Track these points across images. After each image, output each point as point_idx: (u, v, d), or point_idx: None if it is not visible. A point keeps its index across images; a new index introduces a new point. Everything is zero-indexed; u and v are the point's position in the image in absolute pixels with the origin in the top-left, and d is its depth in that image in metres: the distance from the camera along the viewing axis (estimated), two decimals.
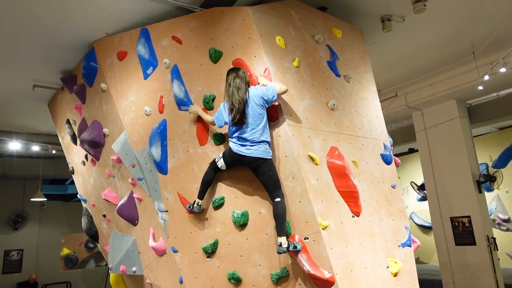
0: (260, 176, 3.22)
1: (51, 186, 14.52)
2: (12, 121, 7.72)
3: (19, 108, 6.96)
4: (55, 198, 14.52)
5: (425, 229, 11.61)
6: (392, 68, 6.43)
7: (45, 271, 10.52)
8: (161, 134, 3.90)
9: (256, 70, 3.44)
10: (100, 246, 6.12)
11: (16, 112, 7.21)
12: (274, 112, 3.34)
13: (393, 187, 4.01)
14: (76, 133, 5.48)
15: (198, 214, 3.66)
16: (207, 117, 3.56)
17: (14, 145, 8.40)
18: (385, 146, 4.12)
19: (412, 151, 11.41)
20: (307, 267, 3.05)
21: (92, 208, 5.79)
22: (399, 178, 4.22)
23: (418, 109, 7.69)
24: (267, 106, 3.25)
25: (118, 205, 4.70)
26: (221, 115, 3.39)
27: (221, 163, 3.36)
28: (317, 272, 3.04)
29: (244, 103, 3.21)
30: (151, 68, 4.06)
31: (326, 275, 3.04)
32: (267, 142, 3.22)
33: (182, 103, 3.77)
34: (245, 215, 3.41)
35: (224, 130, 3.51)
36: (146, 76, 4.09)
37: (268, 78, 3.36)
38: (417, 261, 3.71)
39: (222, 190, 3.57)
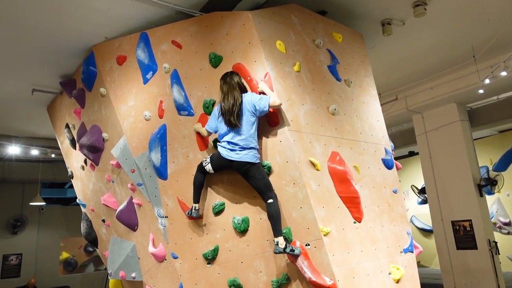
0: (251, 180, 3.22)
1: (50, 190, 14.47)
2: (11, 125, 7.69)
3: (18, 112, 6.93)
4: (54, 201, 14.47)
5: (425, 232, 11.58)
6: (392, 72, 6.41)
7: (44, 275, 10.46)
8: (160, 139, 3.87)
9: (257, 75, 3.41)
10: (99, 251, 6.08)
11: (15, 116, 7.18)
12: (275, 117, 3.31)
13: (395, 192, 3.98)
14: (75, 138, 5.45)
15: (198, 220, 3.63)
16: (204, 132, 3.54)
17: (13, 149, 8.36)
18: (386, 151, 4.10)
19: (412, 154, 11.39)
20: (308, 274, 3.01)
21: (91, 213, 5.76)
22: (400, 181, 4.19)
23: (419, 112, 7.67)
24: (257, 115, 3.25)
25: (117, 210, 4.66)
26: (211, 121, 3.41)
27: (208, 167, 3.35)
28: (319, 279, 3.00)
29: (238, 106, 3.21)
30: (151, 72, 4.03)
31: (328, 282, 3.00)
32: (256, 149, 3.23)
33: (182, 108, 3.75)
34: (245, 221, 3.38)
35: None
36: (145, 81, 4.07)
37: (268, 83, 3.33)
38: (418, 264, 3.68)
39: (222, 195, 3.54)
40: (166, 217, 3.92)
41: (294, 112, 3.39)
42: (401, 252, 3.71)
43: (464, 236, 7.00)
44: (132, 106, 4.17)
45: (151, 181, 3.99)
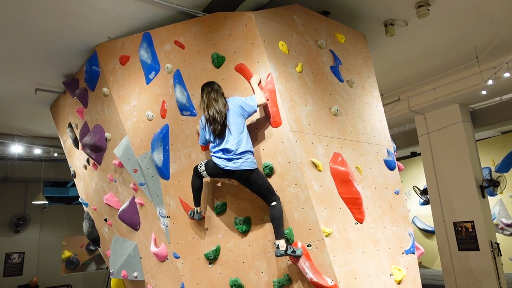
0: (252, 186, 3.18)
1: (53, 189, 14.53)
2: (14, 124, 7.72)
3: (21, 112, 6.96)
4: (56, 200, 14.52)
5: (427, 233, 11.55)
6: (395, 72, 6.40)
7: (46, 274, 10.50)
8: (163, 139, 3.88)
9: (260, 75, 3.41)
10: (101, 251, 6.10)
11: (18, 116, 7.21)
12: (277, 118, 3.32)
13: (397, 193, 3.98)
14: (78, 137, 5.47)
15: (199, 220, 3.64)
16: None
17: (16, 148, 8.40)
18: (388, 152, 4.10)
19: (414, 154, 11.37)
20: (310, 274, 3.02)
21: (93, 212, 5.78)
22: (402, 182, 4.19)
23: (421, 113, 7.66)
24: (246, 117, 3.24)
25: (119, 210, 4.67)
26: (201, 135, 3.38)
27: (204, 174, 3.35)
28: (320, 280, 3.01)
29: (224, 113, 3.19)
30: (153, 72, 4.04)
31: (329, 283, 3.01)
32: (251, 152, 3.20)
33: (185, 108, 3.76)
34: (247, 222, 3.39)
35: None
36: (148, 81, 4.08)
37: (271, 84, 3.34)
38: (420, 265, 3.68)
39: (224, 196, 3.55)
40: (168, 217, 3.92)
41: (296, 113, 3.39)
42: (402, 253, 3.71)
43: (466, 237, 6.99)
44: (135, 106, 4.18)
45: (153, 181, 4.00)
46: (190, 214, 3.56)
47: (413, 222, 11.66)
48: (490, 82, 5.58)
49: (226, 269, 3.49)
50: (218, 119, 3.17)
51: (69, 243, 11.48)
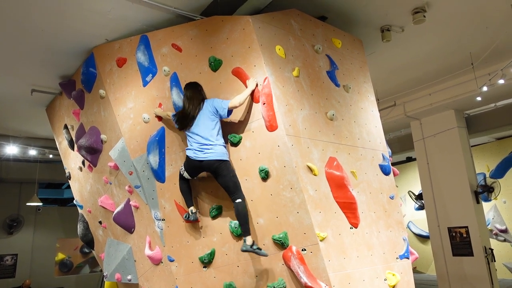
0: (221, 178, 3.31)
1: (47, 190, 14.41)
2: (9, 125, 7.67)
3: (17, 112, 6.92)
4: (51, 202, 14.41)
5: (422, 238, 11.58)
6: (391, 78, 6.45)
7: (40, 276, 10.40)
8: (159, 141, 3.87)
9: (256, 79, 3.42)
10: (95, 253, 6.06)
11: (13, 116, 7.17)
12: (273, 122, 3.33)
13: (392, 198, 3.99)
14: (74, 139, 5.44)
15: (195, 223, 3.63)
16: (164, 115, 3.81)
17: (11, 149, 8.35)
18: (383, 157, 4.12)
19: (410, 159, 11.42)
20: (304, 279, 3.02)
21: (88, 215, 5.74)
22: (397, 187, 4.21)
23: (417, 118, 7.70)
24: (219, 117, 3.40)
25: (114, 212, 4.65)
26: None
27: (185, 174, 3.48)
28: (315, 284, 3.01)
29: (196, 110, 3.41)
30: (151, 75, 4.04)
31: (323, 287, 3.01)
32: (223, 146, 3.36)
33: None
34: None
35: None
36: (145, 83, 4.08)
37: (267, 88, 3.35)
38: (414, 270, 3.69)
39: (220, 199, 3.55)
40: (163, 219, 3.91)
41: (292, 117, 3.40)
42: (397, 258, 3.72)
43: (460, 243, 7.02)
44: (131, 108, 4.18)
45: (149, 183, 3.99)
46: (186, 217, 3.56)
47: (408, 227, 11.69)
48: (485, 88, 5.63)
49: (221, 272, 3.48)
50: (187, 113, 3.41)
51: (63, 246, 11.40)
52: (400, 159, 11.39)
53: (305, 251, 3.13)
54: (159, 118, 3.89)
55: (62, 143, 6.17)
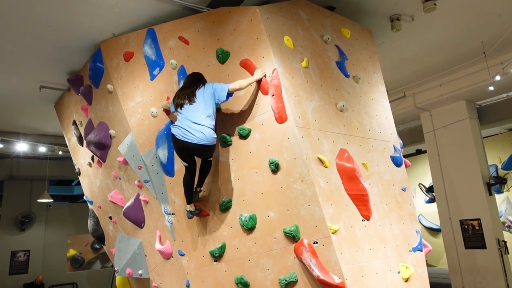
0: (206, 160, 3.44)
1: (58, 187, 14.57)
2: (19, 122, 7.74)
3: (26, 110, 6.97)
4: (61, 199, 14.57)
5: (433, 231, 11.46)
6: (401, 68, 6.34)
7: (52, 272, 10.53)
8: (167, 135, 3.85)
9: (265, 70, 3.37)
10: (106, 248, 6.09)
11: (23, 114, 7.22)
12: (282, 114, 3.27)
13: (404, 190, 3.93)
14: (83, 134, 5.46)
15: (204, 217, 3.61)
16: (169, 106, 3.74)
17: (21, 146, 8.42)
18: (395, 148, 4.05)
19: (419, 152, 11.27)
20: (316, 272, 2.98)
21: (98, 210, 5.77)
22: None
23: (427, 109, 7.58)
24: (217, 101, 3.36)
25: (124, 207, 4.66)
26: (171, 106, 3.56)
27: (181, 161, 3.45)
28: (327, 277, 2.97)
29: (194, 88, 3.38)
30: (158, 69, 4.01)
31: (336, 280, 2.97)
32: (213, 130, 3.31)
33: None
34: (253, 219, 3.36)
35: (229, 130, 3.48)
36: (152, 77, 4.05)
37: (276, 79, 3.30)
38: (425, 263, 3.63)
39: (229, 192, 3.52)
40: (173, 214, 3.90)
41: (302, 108, 3.35)
42: (410, 250, 3.67)
43: (472, 235, 6.92)
44: (139, 102, 4.16)
45: (158, 178, 3.98)
46: (188, 216, 3.54)
47: (418, 220, 11.57)
48: (497, 77, 5.51)
49: (232, 266, 3.46)
50: (184, 93, 3.38)
51: (74, 242, 11.52)
52: (409, 151, 11.24)
53: (317, 244, 3.09)
54: (167, 111, 3.86)
55: (71, 139, 6.19)
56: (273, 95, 3.29)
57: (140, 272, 4.63)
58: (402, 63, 6.12)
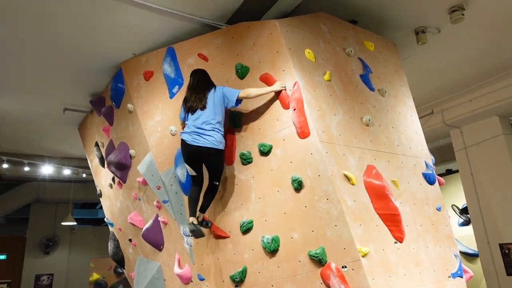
0: (212, 164, 3.34)
1: (82, 210, 14.74)
2: (44, 145, 7.90)
3: (51, 133, 7.10)
4: (85, 222, 14.69)
5: (469, 256, 10.74)
6: (427, 83, 6.09)
7: None
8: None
9: (286, 84, 3.25)
10: (126, 272, 5.96)
11: (48, 137, 7.37)
12: (305, 128, 3.11)
13: (439, 209, 3.64)
14: (104, 156, 5.45)
15: (225, 238, 3.44)
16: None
17: (47, 169, 8.58)
18: (427, 165, 3.79)
19: (449, 172, 10.74)
20: None
21: (118, 232, 5.68)
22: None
23: (457, 126, 7.22)
24: (225, 106, 3.34)
25: (143, 229, 4.55)
26: (181, 111, 3.57)
27: (189, 169, 3.39)
28: None
29: (203, 92, 3.36)
30: (177, 87, 3.97)
31: None
32: (222, 134, 3.33)
33: None
34: (275, 240, 3.15)
35: (250, 147, 3.33)
36: (172, 95, 4.01)
37: (297, 93, 3.16)
38: None
39: (250, 213, 3.34)
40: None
41: (325, 122, 3.18)
42: (449, 276, 3.34)
43: None
44: (158, 121, 4.11)
45: (177, 197, 3.86)
46: (192, 228, 3.36)
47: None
48: None
49: None
50: (195, 97, 3.37)
51: (97, 265, 11.48)
52: (439, 171, 10.73)
53: (345, 268, 2.84)
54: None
55: (93, 161, 6.22)
56: (294, 109, 3.14)
57: None
58: (428, 78, 5.89)
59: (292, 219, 3.09)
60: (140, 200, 4.70)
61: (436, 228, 3.49)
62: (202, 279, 3.64)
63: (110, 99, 4.90)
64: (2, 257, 10.63)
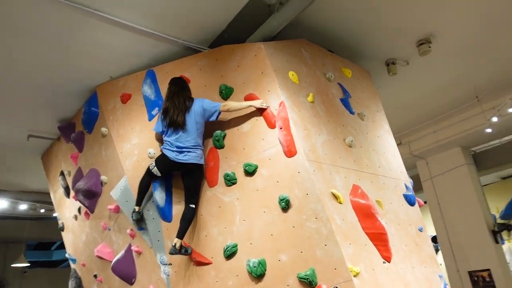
0: (190, 180, 3.34)
1: (36, 252, 13.56)
2: (1, 177, 7.30)
3: (10, 162, 6.60)
4: (39, 265, 13.48)
5: None
6: (396, 115, 6.35)
7: None
8: (165, 177, 3.59)
9: (271, 104, 3.26)
10: None
11: (7, 167, 6.84)
12: (292, 147, 3.10)
13: (420, 230, 3.67)
14: (70, 185, 5.11)
15: (205, 264, 3.24)
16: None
17: (1, 204, 7.89)
18: (406, 187, 3.86)
19: None
20: None
21: (81, 269, 5.22)
22: None
23: (422, 157, 7.55)
24: (205, 119, 3.37)
25: (113, 261, 4.20)
26: (157, 123, 3.55)
27: (155, 170, 3.42)
28: None
29: (184, 108, 3.35)
30: (157, 108, 3.87)
31: None
32: (201, 148, 3.38)
33: None
34: (262, 264, 3.00)
35: (234, 167, 3.25)
36: (151, 117, 3.89)
37: (283, 112, 3.17)
38: None
39: (235, 236, 3.19)
40: (170, 264, 3.50)
41: (311, 141, 3.19)
42: None
43: None
44: (136, 144, 3.94)
45: (154, 223, 3.63)
46: (132, 217, 3.49)
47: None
48: (494, 119, 5.56)
49: None
50: (177, 112, 3.33)
51: None
52: None
53: None
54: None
55: (57, 192, 5.80)
56: (281, 128, 3.14)
57: None
58: (398, 109, 6.16)
59: (280, 240, 2.98)
60: (110, 230, 4.38)
61: (420, 249, 3.50)
62: None
63: (81, 124, 4.67)
64: None
